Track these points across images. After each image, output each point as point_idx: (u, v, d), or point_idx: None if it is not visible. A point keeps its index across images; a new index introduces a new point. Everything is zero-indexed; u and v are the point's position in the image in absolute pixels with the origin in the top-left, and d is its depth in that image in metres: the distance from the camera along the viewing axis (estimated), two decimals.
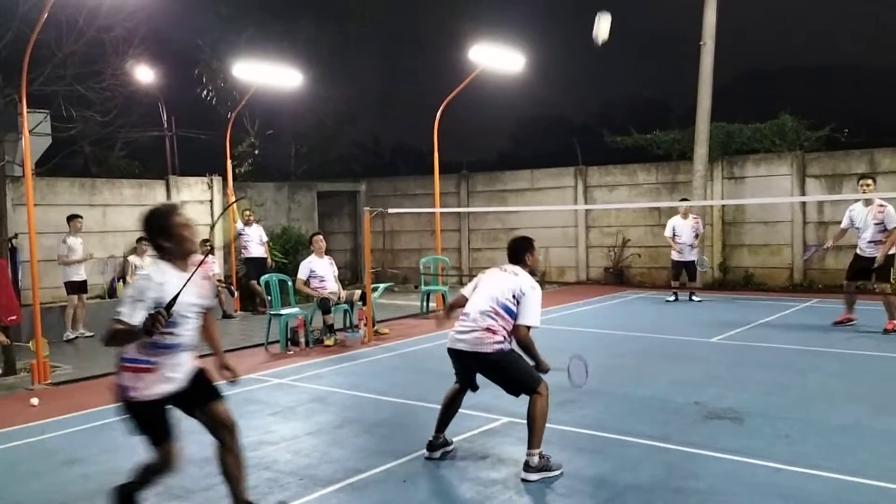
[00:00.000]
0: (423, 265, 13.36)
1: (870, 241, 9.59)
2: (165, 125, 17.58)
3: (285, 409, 6.85)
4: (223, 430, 4.06)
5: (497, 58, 12.48)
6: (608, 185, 16.75)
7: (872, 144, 14.33)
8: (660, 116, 20.63)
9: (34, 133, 11.12)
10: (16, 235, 10.77)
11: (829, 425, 5.82)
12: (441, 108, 13.39)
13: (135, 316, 3.62)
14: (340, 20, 20.04)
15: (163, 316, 3.54)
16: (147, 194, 13.79)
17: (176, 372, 3.91)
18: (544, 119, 35.91)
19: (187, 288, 3.75)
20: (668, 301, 13.22)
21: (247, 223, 13.70)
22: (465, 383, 5.24)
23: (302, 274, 10.18)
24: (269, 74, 12.82)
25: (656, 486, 4.69)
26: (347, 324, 10.80)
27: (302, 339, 9.94)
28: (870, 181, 9.64)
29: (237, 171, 16.07)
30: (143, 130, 16.72)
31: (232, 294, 13.44)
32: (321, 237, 10.64)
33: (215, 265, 13.61)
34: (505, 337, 4.94)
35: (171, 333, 3.80)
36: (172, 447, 3.92)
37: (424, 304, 12.76)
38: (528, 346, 4.97)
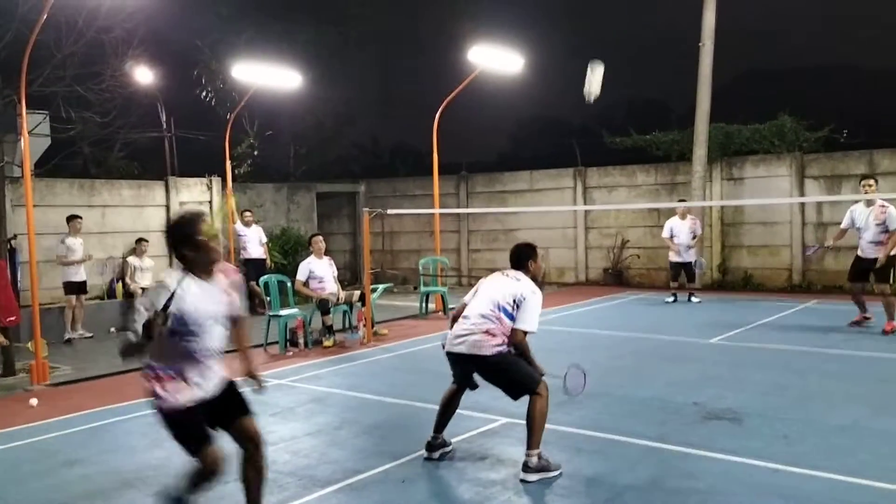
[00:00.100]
0: (422, 266, 13.36)
1: (870, 242, 9.58)
2: (165, 126, 17.60)
3: (284, 409, 6.85)
4: (249, 444, 3.96)
5: (496, 59, 12.48)
6: (607, 185, 16.76)
7: (871, 145, 14.34)
8: (659, 117, 20.66)
9: (33, 134, 11.13)
10: (15, 236, 10.78)
11: (828, 426, 5.82)
12: (440, 109, 13.40)
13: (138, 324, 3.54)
14: (339, 21, 20.06)
15: (159, 319, 3.44)
16: (146, 195, 13.79)
17: (203, 378, 3.79)
18: (543, 120, 35.95)
19: (207, 296, 3.70)
20: (666, 302, 13.22)
21: (246, 224, 13.70)
22: (464, 383, 5.25)
23: (301, 275, 10.18)
24: (268, 75, 12.82)
25: (655, 486, 4.70)
26: (346, 325, 10.81)
27: (301, 340, 9.95)
28: (872, 182, 9.64)
29: (236, 171, 16.09)
30: (142, 131, 16.74)
31: None
32: (321, 238, 10.64)
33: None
34: (504, 340, 4.95)
35: (191, 341, 3.70)
36: (212, 452, 3.75)
37: (423, 305, 12.77)
38: (523, 351, 4.99)
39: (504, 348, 4.94)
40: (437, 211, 13.82)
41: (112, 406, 7.15)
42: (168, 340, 3.61)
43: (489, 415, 6.18)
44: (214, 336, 3.81)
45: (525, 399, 4.92)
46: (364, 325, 10.39)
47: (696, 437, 5.62)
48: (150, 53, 14.79)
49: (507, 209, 17.28)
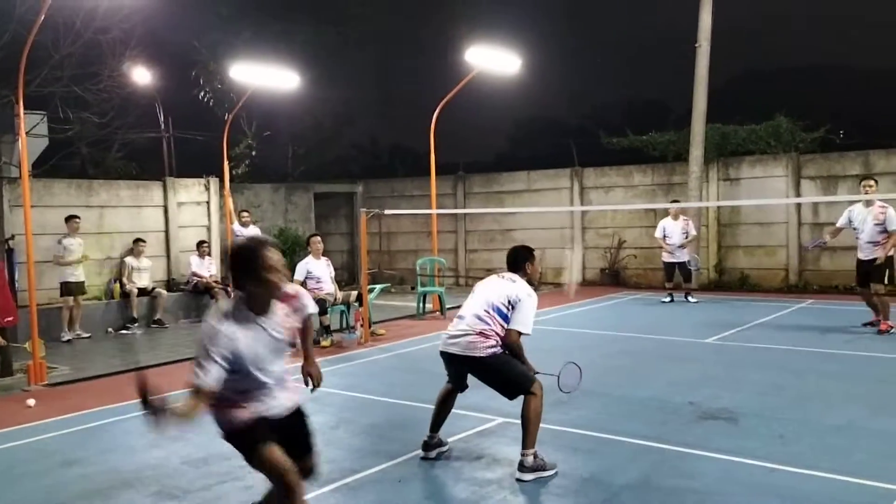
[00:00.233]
0: (419, 266, 13.37)
1: (868, 242, 9.60)
2: (162, 126, 17.59)
3: None
4: (294, 474, 3.59)
5: (494, 60, 12.51)
6: (604, 186, 16.79)
7: (867, 146, 14.38)
8: (656, 118, 20.69)
9: (31, 134, 11.15)
10: (13, 236, 10.78)
11: (825, 425, 5.85)
12: (438, 109, 13.42)
13: (209, 374, 3.26)
14: (338, 22, 20.08)
15: (158, 413, 3.07)
16: (144, 195, 13.79)
17: (269, 399, 3.55)
18: (541, 120, 35.97)
19: (264, 335, 3.45)
20: (663, 302, 13.26)
21: (243, 224, 13.71)
22: (457, 384, 5.27)
23: (298, 275, 10.20)
24: (266, 76, 12.82)
25: (650, 485, 4.72)
26: (344, 325, 10.82)
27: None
28: (872, 182, 9.67)
29: (234, 172, 16.09)
30: (140, 132, 16.74)
31: (228, 295, 13.43)
32: (319, 238, 10.65)
33: (213, 266, 13.62)
34: (498, 341, 4.96)
35: (251, 376, 3.44)
36: (274, 450, 3.46)
37: (421, 305, 12.79)
38: (516, 351, 5.00)
39: (498, 349, 4.96)
40: (434, 211, 13.84)
41: (110, 406, 7.15)
42: (227, 381, 3.36)
43: (485, 414, 6.20)
44: (275, 365, 3.56)
45: (520, 399, 4.94)
46: (361, 326, 10.40)
47: (692, 436, 5.64)
48: (147, 54, 14.81)
49: (505, 209, 17.30)
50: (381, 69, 25.89)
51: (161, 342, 10.95)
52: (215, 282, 13.38)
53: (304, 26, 18.96)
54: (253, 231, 13.78)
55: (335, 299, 10.45)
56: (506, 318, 4.95)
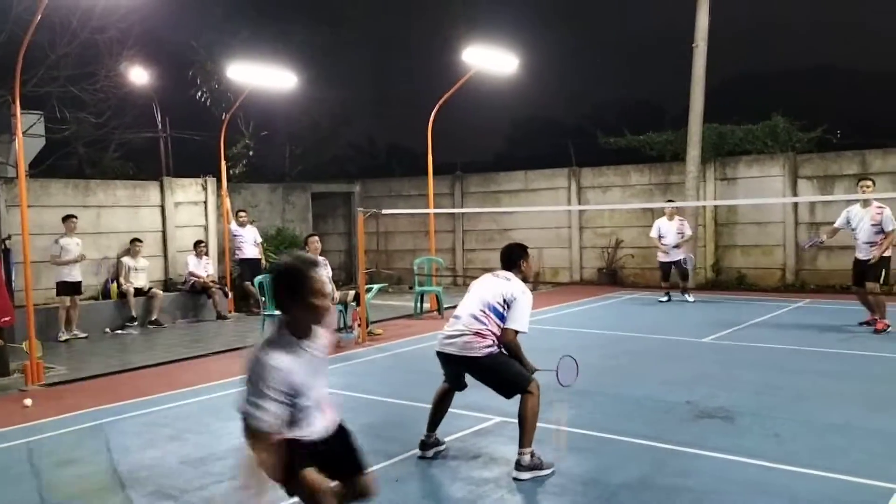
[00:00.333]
0: (416, 266, 13.38)
1: (865, 242, 9.63)
2: (160, 126, 17.57)
3: None
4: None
5: (491, 59, 12.51)
6: (601, 185, 16.80)
7: (864, 146, 14.42)
8: (653, 118, 20.76)
9: (28, 134, 11.12)
10: (9, 236, 10.77)
11: (821, 424, 5.86)
12: (435, 109, 13.42)
13: (268, 413, 3.05)
14: (336, 22, 20.07)
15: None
16: (141, 195, 13.78)
17: (308, 422, 3.34)
18: (538, 120, 36.04)
19: (315, 362, 3.29)
20: (660, 301, 13.28)
21: (241, 224, 13.71)
22: (454, 384, 5.28)
23: None
24: (263, 76, 12.82)
25: (647, 484, 4.73)
26: (341, 324, 10.81)
27: None
28: (870, 182, 9.69)
29: (231, 172, 16.07)
30: (137, 132, 16.71)
31: (226, 295, 13.45)
32: (317, 238, 10.64)
33: (210, 266, 13.62)
34: (494, 341, 4.96)
35: (301, 403, 3.24)
36: (313, 473, 3.26)
37: (418, 304, 12.79)
38: (514, 350, 5.01)
39: (494, 349, 4.96)
40: (431, 211, 13.85)
41: (106, 406, 7.15)
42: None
43: (482, 414, 6.20)
44: (317, 388, 3.38)
45: (518, 398, 4.94)
46: (359, 325, 10.41)
47: (688, 435, 5.65)
48: (144, 54, 14.80)
49: (502, 209, 17.31)
50: (378, 69, 25.95)
51: (158, 342, 10.94)
52: (212, 282, 13.38)
53: (300, 26, 18.95)
54: (250, 231, 13.79)
55: (333, 299, 10.45)
56: (502, 317, 4.95)
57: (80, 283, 11.38)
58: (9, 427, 6.54)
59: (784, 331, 10.10)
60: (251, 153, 17.73)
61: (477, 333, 4.93)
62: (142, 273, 12.73)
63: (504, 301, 4.96)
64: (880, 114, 22.01)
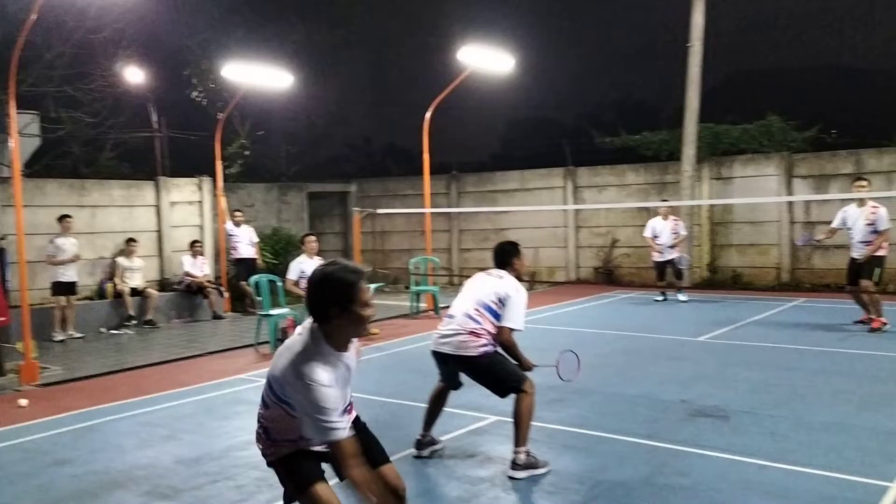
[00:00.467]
0: (412, 265, 13.38)
1: (860, 242, 9.67)
2: (155, 126, 17.55)
3: None
4: (391, 498, 3.31)
5: (487, 59, 12.51)
6: (597, 185, 16.82)
7: (859, 145, 14.45)
8: (648, 117, 20.78)
9: (23, 134, 11.09)
10: (4, 237, 10.74)
11: (815, 423, 5.88)
12: (431, 109, 13.42)
13: (344, 420, 3.05)
14: (332, 22, 20.05)
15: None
16: (136, 195, 13.76)
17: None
18: (534, 120, 36.09)
19: (342, 378, 3.12)
20: (656, 300, 13.29)
21: (236, 224, 13.70)
22: (450, 383, 5.28)
23: (292, 274, 10.16)
24: (259, 75, 12.79)
25: (642, 483, 4.74)
26: None
27: None
28: (865, 182, 9.72)
29: (227, 171, 16.06)
30: (132, 131, 16.70)
31: (221, 295, 13.43)
32: (314, 238, 10.60)
33: (205, 266, 13.61)
34: (489, 339, 4.96)
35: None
36: (324, 489, 3.14)
37: (414, 304, 12.80)
38: (511, 348, 5.01)
39: (489, 348, 4.96)
40: (427, 210, 13.85)
41: (102, 406, 7.14)
42: (285, 420, 3.16)
43: (478, 413, 6.21)
44: (349, 396, 3.31)
45: (513, 397, 4.95)
46: None
47: (683, 434, 5.66)
48: (140, 53, 14.79)
49: (498, 208, 17.32)
50: (374, 69, 25.98)
51: (153, 342, 10.93)
52: (208, 281, 13.36)
53: (297, 26, 18.93)
54: (246, 230, 13.77)
55: None
56: (496, 316, 4.96)
57: (75, 283, 11.36)
58: (4, 427, 6.54)
59: (779, 330, 10.13)
60: (247, 153, 17.72)
61: (472, 332, 4.93)
62: (137, 273, 12.71)
63: (498, 299, 4.96)
64: (875, 113, 22.06)
